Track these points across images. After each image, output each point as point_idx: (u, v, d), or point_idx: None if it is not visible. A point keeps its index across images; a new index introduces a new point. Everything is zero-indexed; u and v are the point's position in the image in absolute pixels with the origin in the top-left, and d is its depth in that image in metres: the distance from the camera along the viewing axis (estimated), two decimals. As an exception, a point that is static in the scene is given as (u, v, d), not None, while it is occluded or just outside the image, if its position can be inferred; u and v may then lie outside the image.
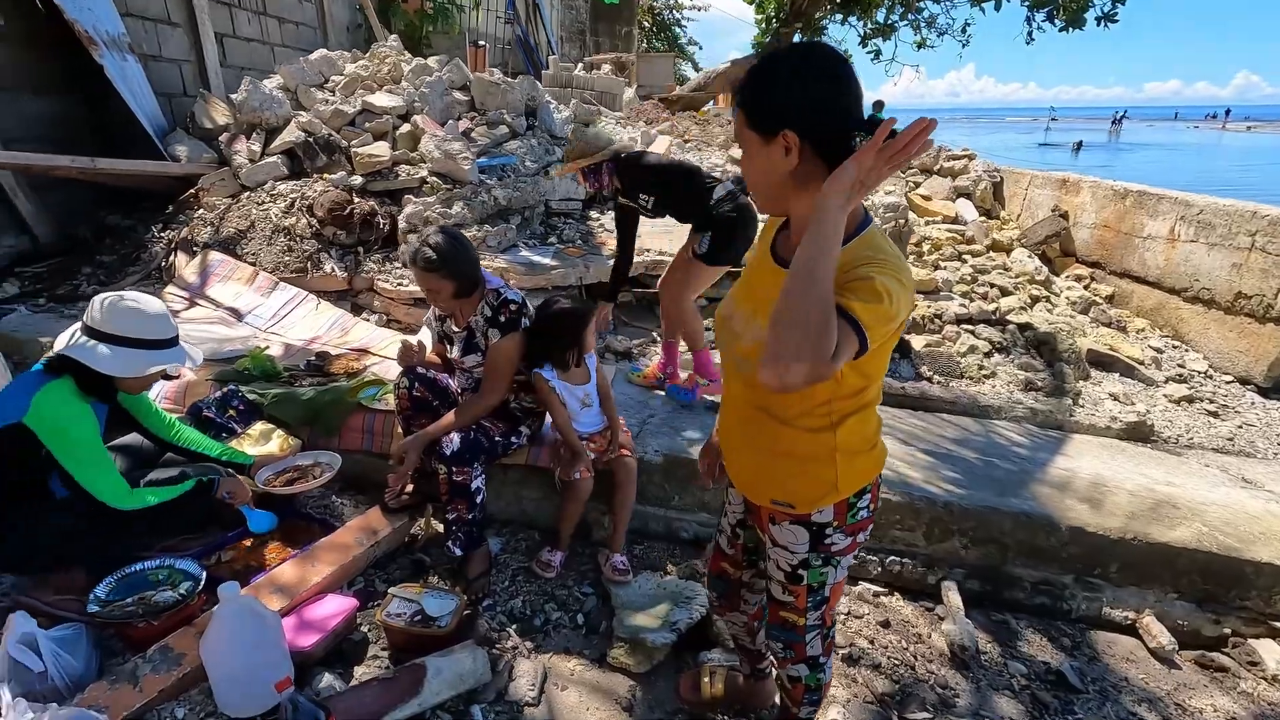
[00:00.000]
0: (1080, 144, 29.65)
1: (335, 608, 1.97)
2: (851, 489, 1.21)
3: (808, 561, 1.27)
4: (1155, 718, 2.01)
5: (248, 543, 2.21)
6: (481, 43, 9.65)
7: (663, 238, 4.32)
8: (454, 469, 2.14)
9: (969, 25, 12.29)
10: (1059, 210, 5.97)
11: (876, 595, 2.42)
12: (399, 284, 3.70)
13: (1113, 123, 48.67)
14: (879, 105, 12.23)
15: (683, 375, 3.18)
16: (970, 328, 4.32)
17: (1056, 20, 10.31)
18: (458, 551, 2.23)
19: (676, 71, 16.24)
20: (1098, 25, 10.10)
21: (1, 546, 1.94)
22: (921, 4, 12.24)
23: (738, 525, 1.51)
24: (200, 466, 2.33)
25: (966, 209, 6.64)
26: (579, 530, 2.51)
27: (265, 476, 2.31)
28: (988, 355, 4.08)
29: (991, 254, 5.77)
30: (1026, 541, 2.38)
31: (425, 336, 2.60)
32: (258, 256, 3.71)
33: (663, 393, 3.14)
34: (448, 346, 2.42)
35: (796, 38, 12.63)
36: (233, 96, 4.63)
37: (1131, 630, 2.31)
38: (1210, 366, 4.27)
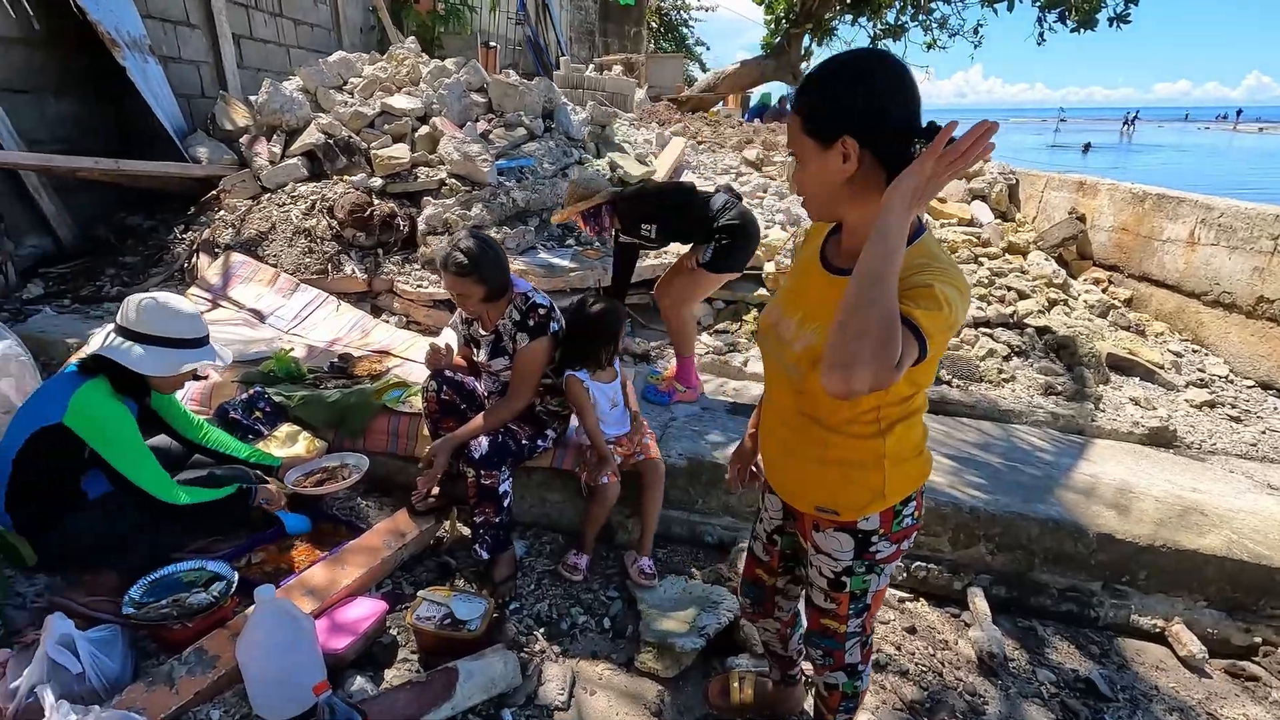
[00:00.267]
0: (1089, 145, 29.41)
1: (366, 610, 1.98)
2: (898, 496, 1.21)
3: (851, 569, 1.27)
4: (1187, 727, 2.01)
5: (285, 542, 2.22)
6: (493, 43, 9.67)
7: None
8: (482, 472, 2.14)
9: (981, 26, 12.24)
10: (1076, 213, 5.93)
11: (902, 601, 2.41)
12: (418, 286, 3.71)
13: (1124, 124, 48.32)
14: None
15: (663, 376, 3.22)
16: (988, 331, 4.30)
17: (1068, 21, 10.25)
18: (484, 555, 2.23)
19: (684, 72, 16.24)
20: (1110, 26, 10.04)
21: (36, 547, 1.95)
22: (933, 5, 12.19)
23: (775, 532, 1.51)
24: (228, 468, 2.35)
25: (982, 211, 6.61)
26: (602, 534, 2.51)
27: (294, 478, 2.32)
28: (1006, 359, 4.06)
29: (1008, 257, 5.74)
30: (1054, 548, 2.37)
31: (449, 338, 2.61)
32: (279, 258, 3.73)
33: (685, 401, 3.14)
34: (474, 350, 2.42)
35: (806, 39, 12.60)
36: (252, 98, 4.66)
37: (1160, 638, 2.30)
38: (1231, 371, 4.24)
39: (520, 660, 1.94)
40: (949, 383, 3.75)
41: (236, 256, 3.70)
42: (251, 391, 2.66)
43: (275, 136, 4.40)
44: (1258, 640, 2.27)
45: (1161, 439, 3.37)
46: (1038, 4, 10.05)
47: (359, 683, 1.84)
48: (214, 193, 4.17)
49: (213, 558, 2.05)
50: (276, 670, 1.68)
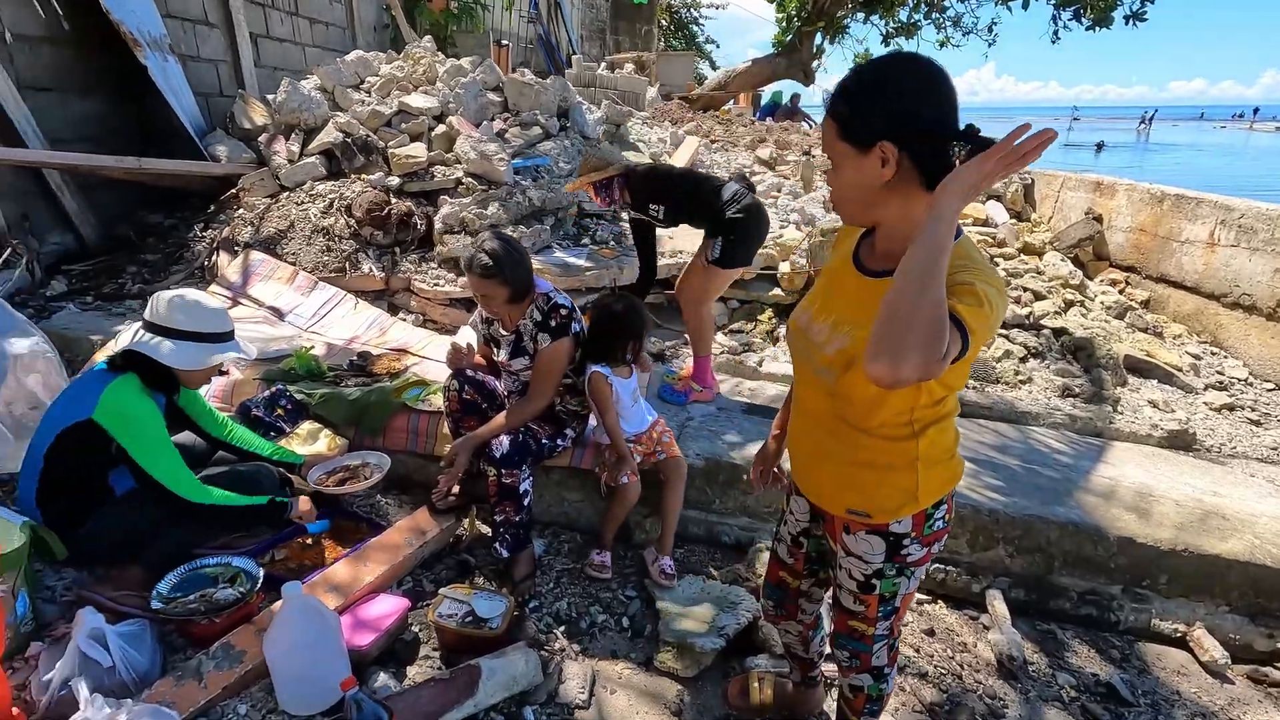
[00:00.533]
0: (1101, 145, 29.04)
1: (389, 608, 2.00)
2: (931, 499, 1.21)
3: (882, 571, 1.27)
4: (1209, 733, 2.00)
5: (307, 540, 2.24)
6: (505, 41, 9.70)
7: (696, 237, 4.32)
8: (503, 471, 2.16)
9: (995, 24, 12.15)
10: (1093, 213, 5.89)
11: (920, 603, 2.41)
12: (435, 284, 3.73)
13: (1141, 122, 47.78)
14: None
15: (679, 375, 3.23)
16: (1004, 332, 4.27)
17: (1084, 19, 10.16)
18: (505, 553, 2.25)
19: (694, 70, 16.22)
20: (1126, 24, 9.94)
21: (65, 542, 1.98)
22: (946, 3, 12.11)
23: (800, 535, 1.51)
24: (251, 465, 2.37)
25: (997, 211, 6.57)
26: (620, 532, 2.52)
27: (317, 476, 2.34)
28: (1023, 360, 4.04)
29: (1024, 257, 5.70)
30: (1073, 551, 2.37)
31: (468, 337, 2.62)
32: (297, 256, 3.76)
33: (701, 401, 3.15)
34: (494, 349, 2.44)
35: (818, 38, 12.53)
36: (270, 97, 4.69)
37: (1182, 643, 2.29)
38: (1251, 374, 4.20)
39: (541, 658, 1.95)
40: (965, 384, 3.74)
41: (256, 254, 3.74)
42: (273, 389, 2.69)
43: (294, 135, 4.43)
44: (1280, 646, 2.26)
45: (1181, 442, 3.35)
46: (1052, 1, 9.96)
47: (382, 679, 1.85)
48: (233, 191, 4.20)
49: (237, 554, 2.08)
50: (303, 666, 1.70)
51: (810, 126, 10.20)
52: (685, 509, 2.55)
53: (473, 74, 4.82)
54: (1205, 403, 3.82)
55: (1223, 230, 4.57)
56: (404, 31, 7.74)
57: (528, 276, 2.22)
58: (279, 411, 2.63)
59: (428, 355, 3.21)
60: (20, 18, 3.68)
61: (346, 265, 3.75)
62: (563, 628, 2.16)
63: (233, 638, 1.83)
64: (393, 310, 3.77)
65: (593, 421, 2.54)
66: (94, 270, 3.92)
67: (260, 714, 1.71)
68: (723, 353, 3.74)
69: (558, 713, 1.86)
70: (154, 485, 1.94)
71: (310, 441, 2.58)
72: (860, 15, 12.60)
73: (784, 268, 4.21)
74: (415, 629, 2.06)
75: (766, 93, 13.38)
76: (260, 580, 1.98)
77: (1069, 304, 4.84)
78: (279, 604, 1.84)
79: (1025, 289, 4.99)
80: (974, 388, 3.69)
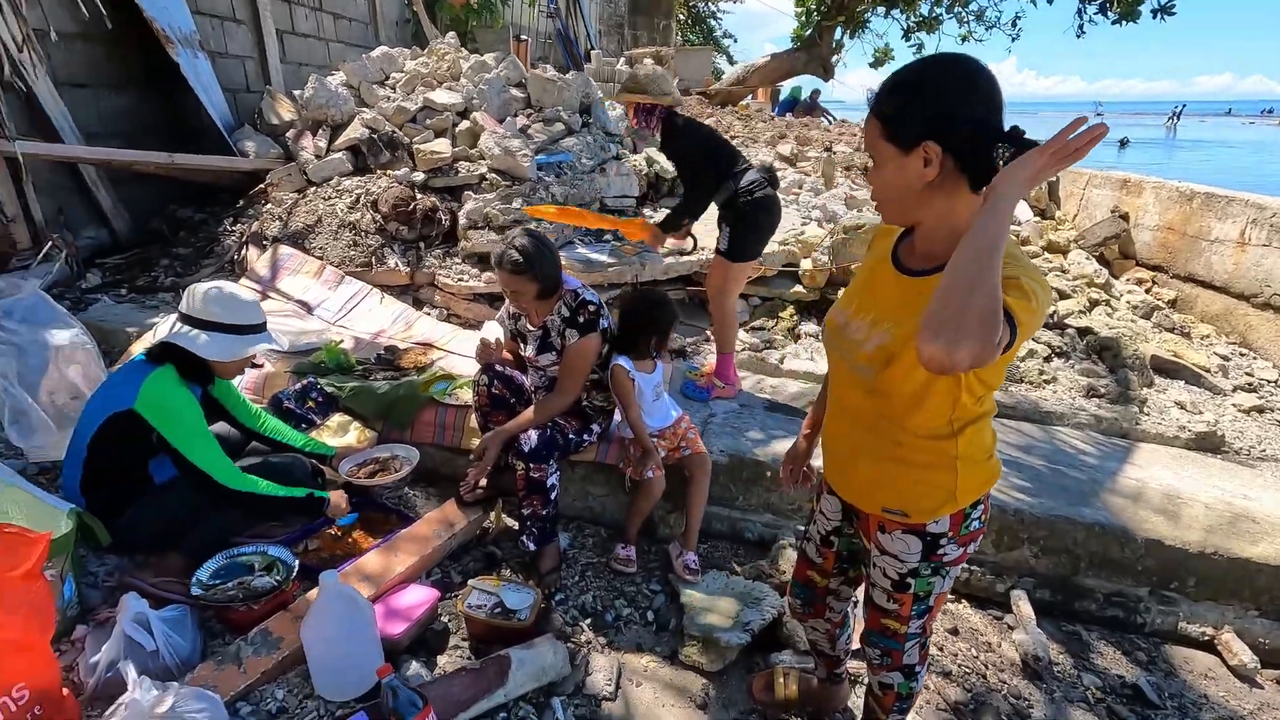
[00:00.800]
0: (1125, 141, 28.44)
1: (419, 598, 2.04)
2: (969, 499, 1.22)
3: (917, 570, 1.28)
4: (1237, 737, 1.99)
5: (335, 531, 2.28)
6: (524, 36, 9.71)
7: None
8: (531, 465, 2.18)
9: (1019, 19, 11.97)
10: (1119, 211, 5.81)
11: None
12: (459, 279, 3.76)
13: (1170, 117, 46.86)
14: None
15: (701, 372, 3.25)
16: (1028, 331, 4.25)
17: (1110, 13, 9.98)
18: (531, 546, 2.28)
19: (712, 65, 16.15)
20: (1154, 18, 9.76)
21: (108, 529, 2.03)
22: (968, -3, 11.94)
23: (831, 534, 1.52)
24: (284, 456, 2.42)
25: (1021, 208, 6.50)
26: (644, 527, 2.54)
27: (348, 468, 2.38)
28: (1047, 360, 4.01)
29: (1047, 255, 5.65)
30: (1100, 553, 2.36)
31: (494, 332, 2.65)
32: (325, 251, 3.81)
33: (723, 398, 3.16)
34: (520, 344, 2.46)
35: (838, 32, 12.42)
36: (297, 93, 4.74)
37: (1209, 647, 2.28)
38: (1281, 376, 4.14)
39: (568, 650, 1.98)
40: (988, 383, 3.72)
41: (284, 249, 3.79)
42: (304, 382, 2.73)
43: (320, 131, 4.48)
44: (1311, 651, 2.24)
45: (1209, 444, 3.31)
46: (1078, -6, 9.80)
47: (414, 667, 1.89)
48: (261, 186, 4.27)
49: (272, 543, 2.12)
50: (339, 653, 1.74)
51: (830, 122, 10.13)
52: (709, 505, 2.56)
53: (496, 70, 4.85)
54: (1234, 404, 3.77)
55: (1254, 229, 4.49)
56: (425, 27, 7.79)
57: (557, 273, 2.24)
58: (310, 404, 2.68)
59: (453, 349, 3.25)
60: (59, 15, 3.76)
61: (372, 260, 3.80)
62: (589, 620, 2.19)
63: (270, 624, 1.88)
64: (417, 305, 3.81)
65: (618, 417, 2.56)
66: (127, 264, 4.00)
67: (297, 699, 1.76)
68: (744, 350, 3.74)
69: (585, 704, 1.89)
70: (194, 472, 1.99)
71: (340, 433, 2.63)
72: (881, 9, 12.46)
73: (806, 265, 4.21)
74: (445, 619, 2.10)
75: (785, 88, 13.28)
76: (296, 569, 2.03)
77: (1094, 303, 4.79)
78: (315, 592, 1.89)
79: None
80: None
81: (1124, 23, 10.20)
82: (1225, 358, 4.31)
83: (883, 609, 1.37)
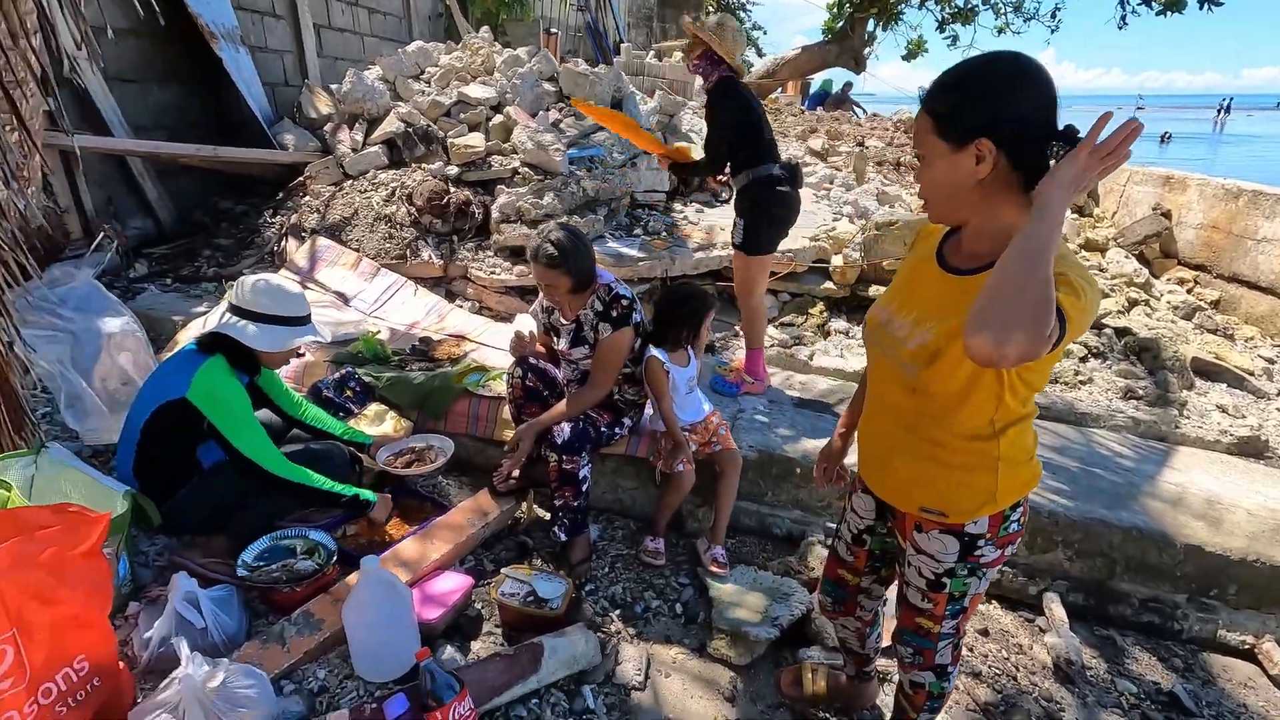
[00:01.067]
0: (1168, 135, 27.50)
1: (454, 584, 2.09)
2: (1009, 501, 1.21)
3: (953, 571, 1.28)
4: (1277, 747, 1.95)
5: (379, 517, 2.32)
6: (553, 30, 9.74)
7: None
8: (564, 457, 2.22)
9: (1059, 10, 11.67)
10: (1160, 209, 5.67)
11: (974, 603, 2.40)
12: (491, 272, 3.81)
13: (1219, 111, 45.28)
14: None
15: (730, 367, 3.24)
16: (1064, 331, 4.17)
17: (1154, 3, 9.69)
18: (563, 537, 2.31)
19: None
20: (1200, 8, 9.45)
21: (159, 511, 2.12)
22: (1006, -14, 11.66)
23: (864, 532, 1.53)
24: (323, 443, 2.48)
25: (1056, 205, 6.38)
26: (673, 520, 2.57)
27: (385, 457, 2.44)
28: (1083, 360, 3.94)
29: (1085, 253, 5.53)
30: (1137, 557, 2.32)
31: (527, 324, 2.68)
32: (361, 243, 3.88)
33: (752, 393, 3.16)
34: (553, 338, 2.50)
35: (870, 24, 12.23)
36: (334, 87, 4.83)
37: (1250, 655, 2.23)
38: (1329, 380, 4.01)
39: (599, 640, 2.01)
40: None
41: (322, 241, 3.87)
42: (342, 371, 2.80)
43: (357, 125, 4.56)
44: (1356, 663, 2.18)
45: (1251, 449, 3.23)
46: (1122, -16, 9.53)
47: (449, 652, 1.94)
48: (300, 179, 4.36)
49: (312, 527, 2.19)
50: (379, 636, 1.79)
51: (862, 116, 10.00)
52: (737, 500, 2.58)
53: (529, 64, 4.88)
54: (1278, 409, 3.67)
55: (1304, 229, 4.36)
56: (457, 20, 7.86)
57: (591, 267, 2.26)
58: (348, 393, 2.75)
59: (485, 342, 3.30)
60: (113, 12, 3.88)
61: (407, 252, 3.86)
62: (618, 611, 2.21)
63: (312, 606, 1.94)
64: (450, 297, 3.87)
65: (649, 410, 2.58)
66: (172, 254, 4.13)
67: (338, 679, 1.81)
68: (773, 346, 3.74)
69: (615, 693, 1.92)
70: (242, 460, 2.06)
71: (377, 422, 2.69)
72: (915, 1, 12.25)
73: (836, 261, 4.18)
74: (478, 605, 2.14)
75: (816, 81, 13.12)
76: (336, 553, 2.09)
77: (1133, 303, 4.68)
78: (355, 575, 1.95)
79: (1087, 287, 4.83)
80: (1031, 387, 3.62)
81: (1169, 13, 9.89)
82: (1270, 360, 4.19)
83: (917, 608, 1.37)
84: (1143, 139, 0.98)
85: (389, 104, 4.60)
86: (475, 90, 4.64)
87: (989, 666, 2.13)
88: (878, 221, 4.24)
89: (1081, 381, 3.72)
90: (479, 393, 2.78)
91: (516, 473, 2.45)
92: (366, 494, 2.23)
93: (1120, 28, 10.68)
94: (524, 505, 2.58)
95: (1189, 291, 5.07)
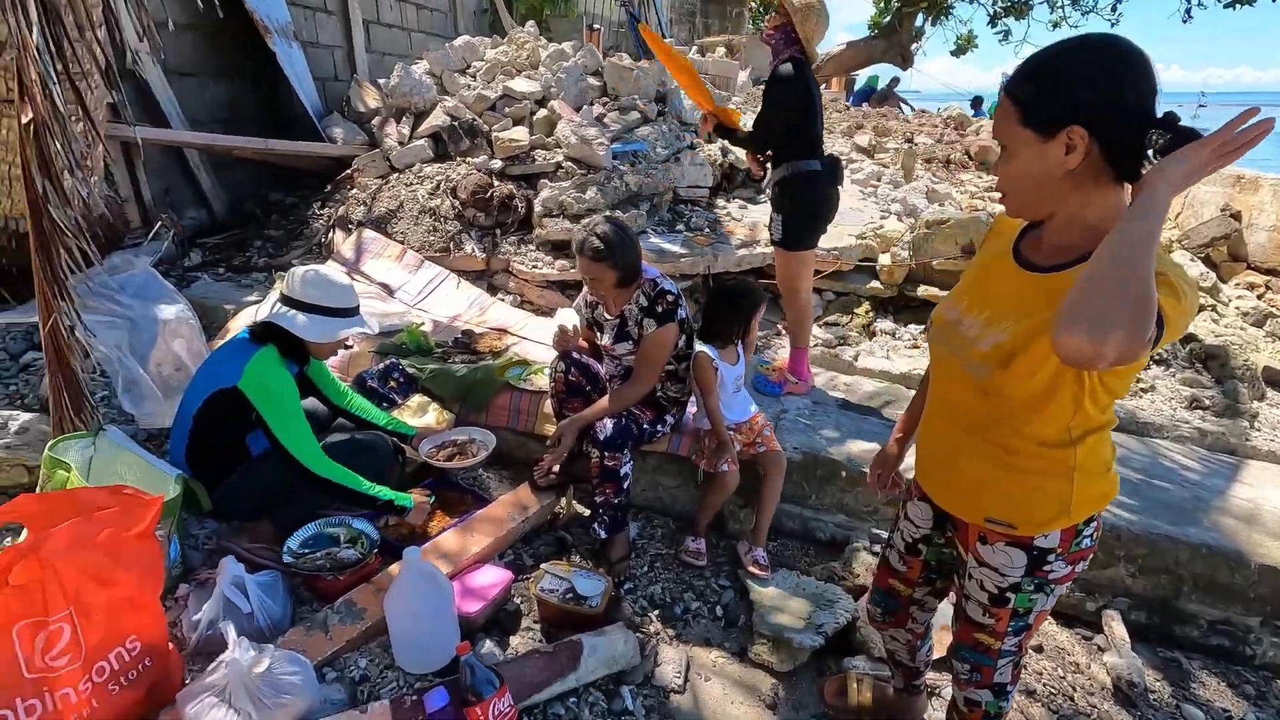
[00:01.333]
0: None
1: (494, 578, 2.08)
2: (1084, 514, 1.14)
3: (1019, 585, 1.21)
4: (1360, 785, 1.83)
5: (415, 522, 2.31)
6: (596, 25, 9.73)
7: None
8: (606, 453, 2.19)
9: (1119, 2, 11.20)
10: (1229, 210, 5.39)
11: (1028, 617, 2.30)
12: (534, 267, 3.81)
13: None
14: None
15: (773, 366, 3.19)
16: (1124, 336, 3.99)
17: (1222, -6, 9.25)
18: (602, 534, 2.29)
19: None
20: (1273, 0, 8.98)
21: (211, 496, 2.15)
22: (1063, -20, 11.24)
23: (920, 541, 1.46)
24: (367, 433, 2.50)
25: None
26: (714, 521, 2.52)
27: (428, 449, 2.45)
28: (1145, 367, 3.77)
29: (1146, 256, 5.30)
30: (1206, 576, 2.20)
31: (570, 319, 2.66)
32: (406, 235, 3.92)
33: (796, 394, 3.09)
34: (597, 333, 2.47)
35: (919, 19, 11.92)
36: (381, 81, 4.89)
37: (1329, 685, 2.10)
38: None
39: (638, 640, 1.98)
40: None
41: (368, 233, 3.92)
42: (386, 362, 2.82)
43: (404, 118, 4.60)
44: None
45: (1330, 465, 3.04)
46: (1188, -24, 9.12)
47: (488, 646, 1.94)
48: (348, 172, 4.42)
49: (356, 516, 2.20)
50: (420, 627, 1.79)
51: (910, 112, 9.76)
52: (780, 502, 2.52)
53: (574, 58, 4.87)
54: (1360, 423, 3.45)
55: (1391, 232, 4.09)
56: (502, 15, 7.90)
57: (636, 261, 2.23)
58: (392, 384, 2.77)
59: (526, 335, 3.29)
60: (174, 7, 3.99)
61: (450, 245, 3.88)
62: (657, 612, 2.18)
63: (355, 595, 1.95)
64: (492, 290, 3.88)
65: (691, 409, 2.54)
66: (225, 244, 4.23)
67: (379, 669, 1.82)
68: (817, 345, 3.65)
69: (654, 694, 1.89)
70: (285, 454, 2.07)
71: (420, 414, 2.70)
72: (967, -6, 11.90)
73: (884, 260, 4.07)
74: (517, 600, 2.13)
75: (861, 77, 12.86)
76: (378, 543, 2.10)
77: (1199, 309, 4.46)
78: (397, 566, 1.95)
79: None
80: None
81: (1238, 6, 9.43)
82: (1350, 372, 3.94)
83: (977, 623, 1.30)
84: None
85: (435, 98, 4.63)
86: (520, 84, 4.64)
87: (1044, 685, 2.04)
88: (928, 220, 4.11)
89: (1143, 390, 3.55)
90: (521, 386, 2.78)
91: (557, 468, 2.44)
92: (403, 499, 2.21)
93: (1185, 21, 10.23)
94: (564, 501, 2.57)
95: (1260, 297, 4.81)
